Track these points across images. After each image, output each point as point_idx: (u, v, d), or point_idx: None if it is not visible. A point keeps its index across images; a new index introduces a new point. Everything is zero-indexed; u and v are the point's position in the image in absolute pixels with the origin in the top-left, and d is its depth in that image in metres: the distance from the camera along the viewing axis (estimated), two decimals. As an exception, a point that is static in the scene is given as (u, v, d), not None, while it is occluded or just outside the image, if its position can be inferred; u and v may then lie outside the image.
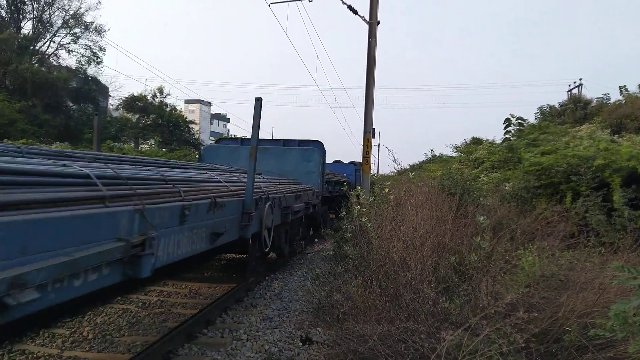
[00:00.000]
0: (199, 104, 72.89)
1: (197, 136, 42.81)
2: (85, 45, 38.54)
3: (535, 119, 24.75)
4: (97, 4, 38.71)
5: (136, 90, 51.84)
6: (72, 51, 38.43)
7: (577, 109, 25.09)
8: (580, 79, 32.23)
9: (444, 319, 3.22)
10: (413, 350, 2.94)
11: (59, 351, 4.10)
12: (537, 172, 8.92)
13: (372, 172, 13.91)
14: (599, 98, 26.25)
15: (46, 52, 37.95)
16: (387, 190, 7.43)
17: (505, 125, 11.55)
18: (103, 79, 40.63)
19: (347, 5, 12.07)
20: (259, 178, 6.37)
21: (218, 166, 6.96)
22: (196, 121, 53.93)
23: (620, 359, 2.53)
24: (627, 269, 2.19)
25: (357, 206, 6.44)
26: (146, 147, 40.21)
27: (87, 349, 4.24)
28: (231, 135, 55.52)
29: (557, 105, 28.10)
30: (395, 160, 9.54)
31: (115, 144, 33.20)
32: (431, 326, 3.09)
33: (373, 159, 41.01)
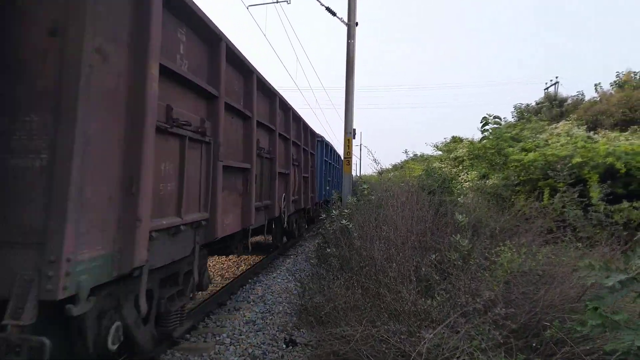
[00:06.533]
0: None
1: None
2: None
3: (512, 117, 25.01)
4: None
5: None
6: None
7: (553, 107, 25.48)
8: (557, 77, 32.70)
9: (425, 318, 3.24)
10: (395, 349, 2.95)
11: None
12: (517, 169, 9.04)
13: (353, 172, 13.84)
14: (574, 96, 26.73)
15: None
16: (366, 192, 7.44)
17: (482, 124, 11.62)
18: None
19: (325, 7, 12.07)
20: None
21: None
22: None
23: (597, 352, 2.57)
24: (592, 266, 2.21)
25: (335, 211, 6.45)
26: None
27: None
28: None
29: (533, 103, 28.48)
30: (375, 160, 9.54)
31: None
32: (412, 325, 3.11)
33: (355, 160, 41.07)
